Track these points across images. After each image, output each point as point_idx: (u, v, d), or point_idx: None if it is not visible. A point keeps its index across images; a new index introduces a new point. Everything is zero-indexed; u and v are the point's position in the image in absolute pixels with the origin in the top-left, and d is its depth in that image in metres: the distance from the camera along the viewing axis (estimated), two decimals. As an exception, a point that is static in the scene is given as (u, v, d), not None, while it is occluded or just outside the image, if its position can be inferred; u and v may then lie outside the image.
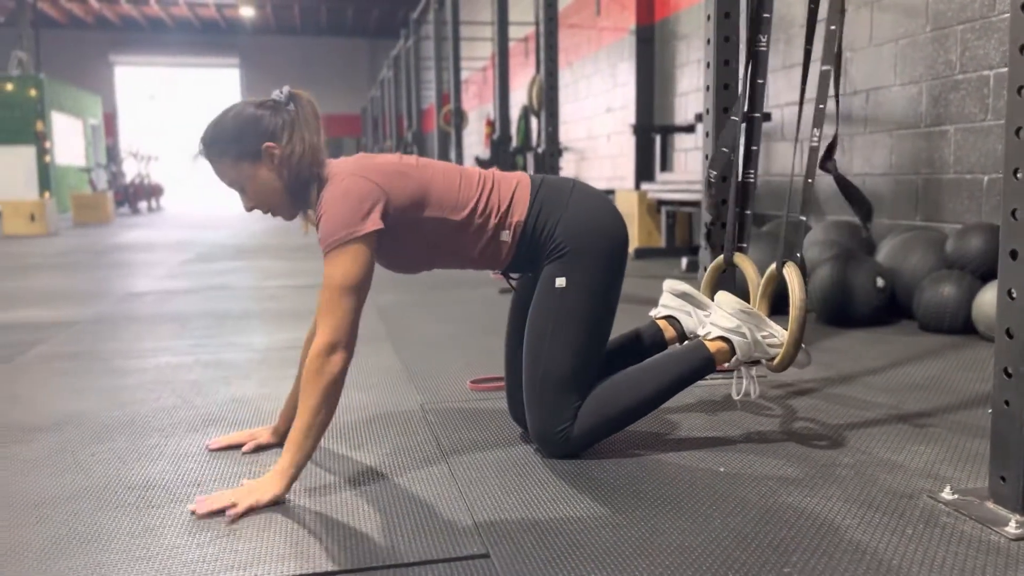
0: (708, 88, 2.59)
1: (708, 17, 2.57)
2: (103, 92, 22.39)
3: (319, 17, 21.81)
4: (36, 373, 2.72)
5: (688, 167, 6.88)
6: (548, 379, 1.75)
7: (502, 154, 6.59)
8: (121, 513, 1.53)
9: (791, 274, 1.93)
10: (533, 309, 1.79)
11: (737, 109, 2.26)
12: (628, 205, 6.70)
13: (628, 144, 7.89)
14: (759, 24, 2.21)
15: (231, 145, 1.68)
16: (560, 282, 1.75)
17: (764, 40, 2.22)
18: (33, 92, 16.44)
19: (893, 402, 2.21)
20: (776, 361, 1.87)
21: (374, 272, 1.65)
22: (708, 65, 2.59)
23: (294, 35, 23.56)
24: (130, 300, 4.40)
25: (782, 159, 5.28)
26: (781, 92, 5.27)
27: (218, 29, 23.05)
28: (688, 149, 6.90)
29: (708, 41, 2.58)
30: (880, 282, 3.31)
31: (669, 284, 2.08)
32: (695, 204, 5.69)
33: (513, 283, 1.96)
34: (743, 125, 2.28)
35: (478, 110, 15.25)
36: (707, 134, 2.60)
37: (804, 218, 2.02)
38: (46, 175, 16.49)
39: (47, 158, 16.55)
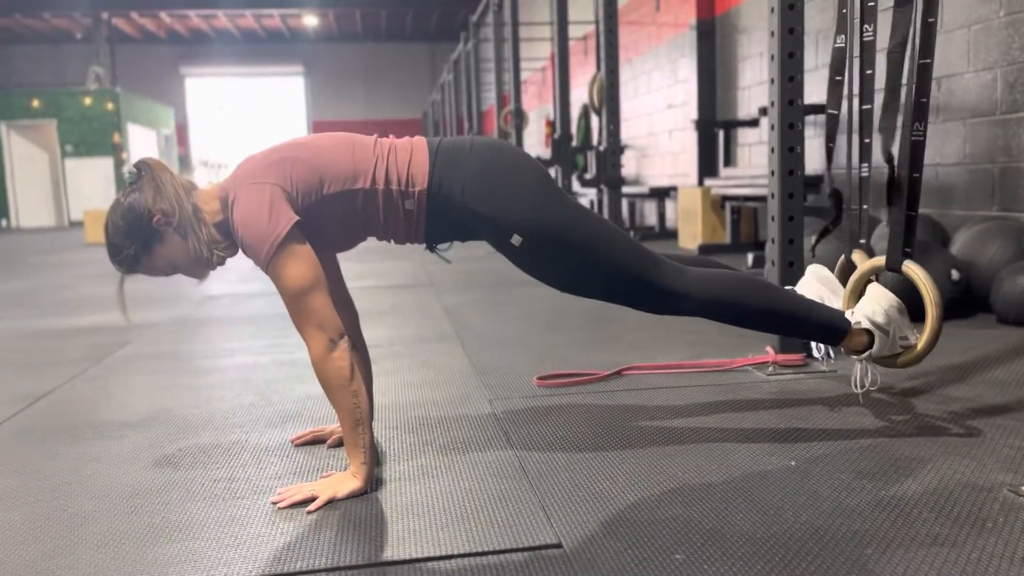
0: (772, 81, 2.57)
1: (772, 9, 2.55)
2: (175, 103, 23.17)
3: (380, 23, 22.13)
4: (124, 372, 2.85)
5: (752, 161, 6.79)
6: (618, 290, 1.77)
7: (563, 153, 6.60)
8: (209, 504, 1.61)
9: (917, 272, 1.89)
10: (532, 273, 1.79)
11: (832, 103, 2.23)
12: (691, 201, 6.65)
13: (690, 140, 7.82)
14: (865, 13, 2.19)
15: (132, 246, 1.68)
16: (516, 240, 1.71)
17: (871, 29, 2.19)
18: (110, 106, 17.13)
19: (970, 395, 2.16)
20: (909, 356, 1.88)
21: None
22: (772, 58, 2.57)
23: (356, 41, 23.95)
24: (207, 303, 4.56)
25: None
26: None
27: (282, 38, 23.59)
28: (752, 144, 6.81)
29: (772, 33, 2.56)
30: (955, 274, 3.22)
31: (815, 268, 2.07)
32: (760, 199, 5.62)
33: (444, 256, 1.90)
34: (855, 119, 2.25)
35: (538, 110, 15.29)
36: (772, 127, 2.58)
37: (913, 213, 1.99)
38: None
39: (124, 169, 17.20)
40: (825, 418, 2.01)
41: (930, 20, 1.96)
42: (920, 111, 1.98)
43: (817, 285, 2.03)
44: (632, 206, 9.40)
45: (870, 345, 1.86)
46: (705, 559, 1.29)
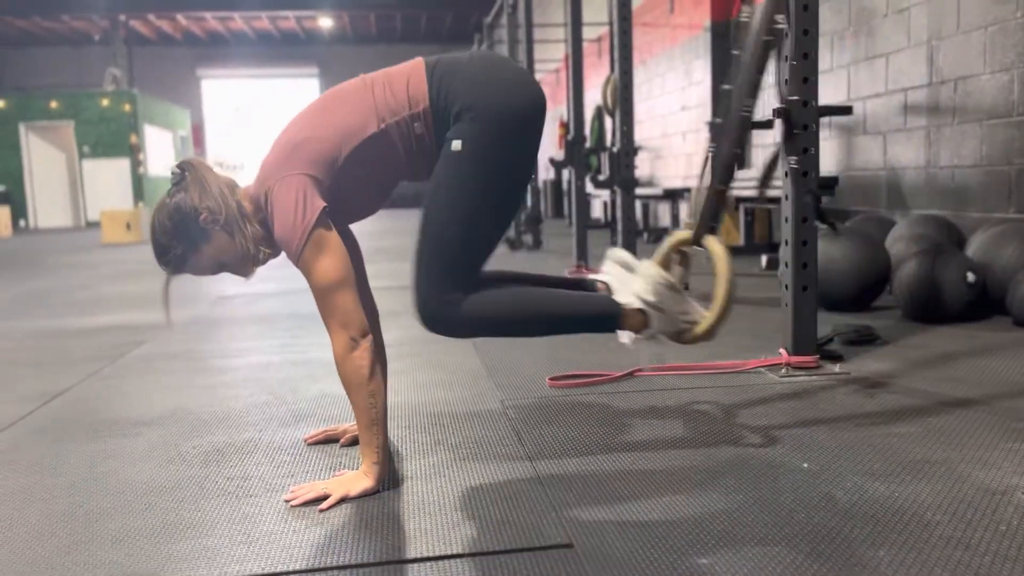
0: (786, 82, 2.56)
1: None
2: (191, 105, 23.32)
3: (394, 25, 22.19)
4: (140, 371, 2.87)
5: (767, 163, 6.76)
6: (437, 245, 1.66)
7: (576, 155, 6.59)
8: (222, 501, 1.62)
9: (714, 247, 1.86)
10: (432, 186, 1.69)
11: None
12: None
13: (704, 142, 7.80)
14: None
15: (180, 245, 1.69)
16: (456, 145, 1.64)
17: (781, 19, 2.21)
18: (127, 107, 17.26)
19: (985, 399, 2.14)
20: (695, 332, 1.82)
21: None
22: (786, 59, 2.56)
23: (370, 43, 24.02)
24: (221, 303, 4.59)
25: (864, 153, 5.14)
26: (863, 84, 5.14)
27: (297, 40, 23.69)
28: (766, 145, 6.79)
29: (786, 35, 2.55)
30: (971, 277, 3.20)
31: (612, 251, 1.97)
32: (775, 201, 5.60)
33: None
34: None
35: (552, 111, 15.29)
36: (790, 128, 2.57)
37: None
38: (140, 186, 17.29)
39: (141, 169, 17.34)
40: (838, 420, 2.00)
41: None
42: (752, 88, 1.98)
43: (616, 268, 1.92)
44: (646, 207, 9.39)
45: (648, 324, 1.81)
46: (717, 560, 1.29)
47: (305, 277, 1.64)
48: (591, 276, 1.99)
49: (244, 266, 1.75)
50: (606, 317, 1.80)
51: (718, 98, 7.43)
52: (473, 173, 1.64)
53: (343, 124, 1.67)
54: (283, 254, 1.75)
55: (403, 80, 1.69)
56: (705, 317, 1.82)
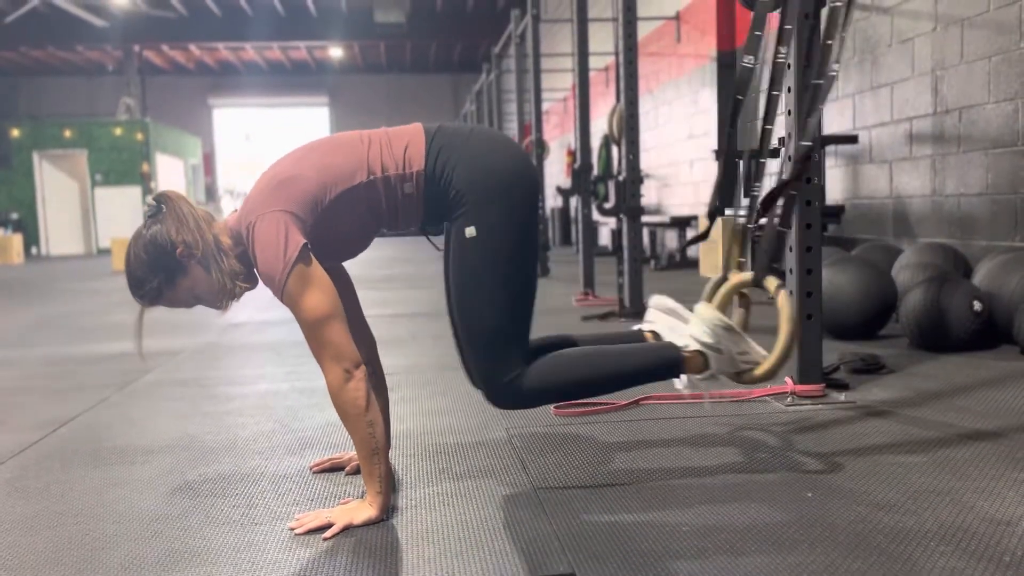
0: (789, 112, 2.59)
1: (789, 42, 2.57)
2: (202, 133, 23.56)
3: (403, 55, 22.45)
4: (148, 399, 2.89)
5: (773, 191, 6.78)
6: (484, 333, 1.71)
7: (584, 183, 6.63)
8: (227, 529, 1.63)
9: (774, 286, 1.87)
10: (452, 265, 1.75)
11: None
12: (712, 231, 6.65)
13: (711, 170, 7.84)
14: (781, 35, 2.23)
15: (156, 278, 1.70)
16: (470, 231, 1.70)
17: (784, 52, 2.24)
18: (139, 136, 17.46)
19: (992, 428, 2.14)
20: (756, 372, 1.81)
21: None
22: (789, 90, 2.59)
23: (380, 73, 24.28)
24: (229, 331, 4.61)
25: (870, 181, 5.16)
26: (868, 113, 5.17)
27: (308, 70, 23.97)
28: (774, 173, 6.81)
29: (788, 66, 2.58)
30: (977, 305, 3.20)
31: (656, 299, 2.01)
32: (781, 229, 5.61)
33: (435, 243, 1.91)
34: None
35: (559, 140, 15.39)
36: (788, 158, 2.60)
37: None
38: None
39: (148, 199, 17.43)
40: (842, 449, 2.00)
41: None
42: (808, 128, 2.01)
43: (663, 316, 1.95)
44: (653, 235, 9.42)
45: (707, 365, 1.82)
46: (719, 590, 1.29)
47: (292, 312, 1.65)
48: (636, 326, 2.01)
49: (219, 300, 1.76)
50: (668, 363, 1.83)
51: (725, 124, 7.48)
52: (494, 253, 1.70)
53: (332, 168, 1.70)
54: (260, 285, 1.77)
55: (402, 142, 1.74)
56: (767, 357, 1.82)
